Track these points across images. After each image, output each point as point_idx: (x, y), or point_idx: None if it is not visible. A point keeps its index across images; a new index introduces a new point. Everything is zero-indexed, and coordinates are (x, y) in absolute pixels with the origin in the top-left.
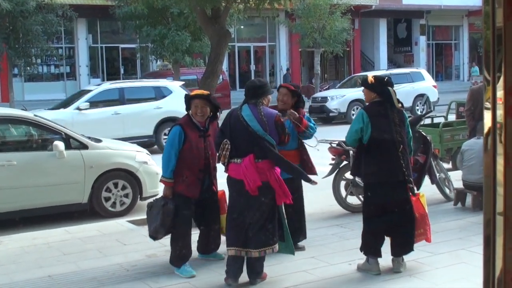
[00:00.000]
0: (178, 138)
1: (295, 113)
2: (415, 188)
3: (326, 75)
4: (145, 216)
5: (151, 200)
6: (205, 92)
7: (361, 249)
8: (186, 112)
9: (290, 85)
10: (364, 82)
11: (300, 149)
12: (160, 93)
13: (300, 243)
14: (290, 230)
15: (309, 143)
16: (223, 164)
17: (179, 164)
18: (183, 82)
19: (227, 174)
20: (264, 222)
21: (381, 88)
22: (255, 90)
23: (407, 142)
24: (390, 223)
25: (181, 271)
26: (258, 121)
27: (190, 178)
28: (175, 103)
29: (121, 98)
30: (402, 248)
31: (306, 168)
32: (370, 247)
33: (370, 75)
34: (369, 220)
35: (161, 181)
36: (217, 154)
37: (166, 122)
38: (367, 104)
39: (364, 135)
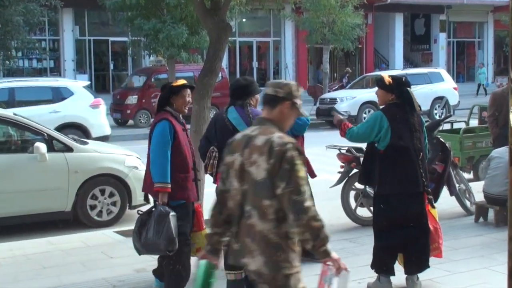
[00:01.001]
0: (169, 134)
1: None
2: (449, 191)
3: (335, 75)
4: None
5: (142, 210)
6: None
7: (372, 266)
8: (158, 106)
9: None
10: (380, 83)
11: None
12: (58, 95)
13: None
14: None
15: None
16: (211, 174)
17: (171, 167)
18: (88, 83)
19: (215, 186)
20: None
21: (399, 89)
22: (241, 90)
23: (424, 149)
24: (405, 238)
25: None
26: (246, 124)
27: (186, 180)
28: (76, 107)
29: (11, 100)
30: (417, 265)
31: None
32: (382, 265)
33: (386, 74)
34: (381, 234)
35: (157, 189)
36: (204, 164)
37: (65, 129)
38: (382, 106)
39: (381, 141)
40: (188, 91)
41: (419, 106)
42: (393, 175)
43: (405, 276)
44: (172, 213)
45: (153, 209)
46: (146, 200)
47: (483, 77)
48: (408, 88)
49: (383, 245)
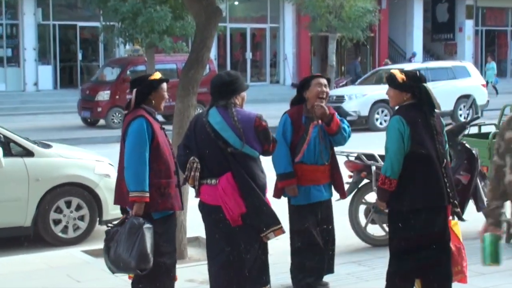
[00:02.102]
0: (147, 133)
1: (324, 106)
2: (476, 206)
3: (343, 68)
4: None
5: (109, 225)
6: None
7: None
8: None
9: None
10: (391, 81)
11: (332, 163)
12: None
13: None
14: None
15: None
16: (193, 187)
17: (150, 172)
18: None
19: (199, 200)
20: (257, 253)
21: (415, 86)
22: (224, 88)
23: (447, 155)
24: (424, 261)
25: None
26: (232, 129)
27: (169, 187)
28: None
29: None
30: None
31: (336, 189)
32: None
33: (397, 70)
34: (397, 257)
35: (133, 199)
36: (184, 176)
37: None
38: (397, 108)
39: None
40: (166, 85)
41: (439, 105)
42: (413, 187)
43: None
44: (146, 225)
45: (126, 219)
46: (125, 213)
47: (492, 74)
48: (425, 84)
49: (398, 270)
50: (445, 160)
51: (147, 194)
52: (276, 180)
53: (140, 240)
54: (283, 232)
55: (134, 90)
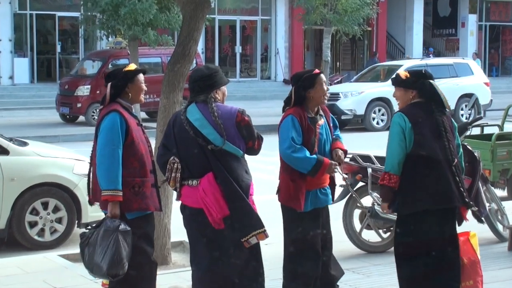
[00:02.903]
0: (120, 129)
1: (341, 154)
2: (478, 212)
3: (338, 64)
4: None
5: (87, 227)
6: None
7: None
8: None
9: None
10: (396, 80)
11: None
12: None
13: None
14: (326, 276)
15: None
16: (174, 189)
17: (123, 170)
18: None
19: (180, 203)
20: (247, 259)
21: (421, 83)
22: (202, 81)
23: (458, 154)
24: (433, 262)
25: None
26: (213, 126)
27: (144, 186)
28: None
29: None
30: None
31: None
32: None
33: (401, 70)
34: (406, 263)
35: (105, 198)
36: (164, 178)
37: None
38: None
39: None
40: (142, 76)
41: (448, 103)
42: (419, 189)
43: None
44: (122, 227)
45: (99, 225)
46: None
47: None
48: (432, 81)
49: (406, 276)
50: (455, 160)
51: (120, 193)
52: (309, 177)
53: (113, 244)
54: (267, 236)
55: (109, 84)
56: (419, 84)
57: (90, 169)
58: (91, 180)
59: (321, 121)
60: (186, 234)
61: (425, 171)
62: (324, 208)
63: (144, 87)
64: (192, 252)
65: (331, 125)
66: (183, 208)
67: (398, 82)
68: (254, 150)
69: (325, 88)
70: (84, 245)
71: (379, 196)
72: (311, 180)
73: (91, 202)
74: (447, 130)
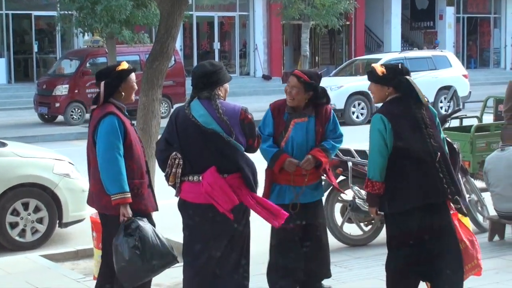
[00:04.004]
0: (119, 132)
1: (311, 161)
2: (464, 208)
3: (317, 58)
4: (66, 249)
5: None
6: None
7: None
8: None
9: (303, 73)
10: (371, 75)
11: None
12: None
13: (326, 285)
14: (307, 270)
15: None
16: (173, 186)
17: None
18: None
19: (178, 199)
20: (238, 257)
21: (397, 79)
22: (206, 78)
23: (443, 147)
24: (431, 262)
25: None
26: (217, 122)
27: (142, 188)
28: None
29: None
30: None
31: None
32: None
33: (377, 64)
34: (398, 260)
35: (116, 202)
36: (164, 174)
37: None
38: (380, 106)
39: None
40: (134, 76)
41: (426, 97)
42: (403, 188)
43: None
44: (141, 221)
45: (130, 229)
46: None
47: None
48: (408, 77)
49: (398, 273)
50: (438, 154)
51: (129, 194)
52: (268, 169)
53: (158, 237)
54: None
55: (102, 83)
56: (396, 81)
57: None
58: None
59: (302, 119)
60: (182, 229)
61: (408, 170)
62: (306, 205)
63: (136, 87)
64: (186, 249)
65: (327, 129)
66: (182, 204)
67: (374, 79)
68: (253, 148)
69: (289, 90)
70: (140, 249)
71: (359, 189)
72: (278, 175)
73: (88, 202)
74: (428, 125)
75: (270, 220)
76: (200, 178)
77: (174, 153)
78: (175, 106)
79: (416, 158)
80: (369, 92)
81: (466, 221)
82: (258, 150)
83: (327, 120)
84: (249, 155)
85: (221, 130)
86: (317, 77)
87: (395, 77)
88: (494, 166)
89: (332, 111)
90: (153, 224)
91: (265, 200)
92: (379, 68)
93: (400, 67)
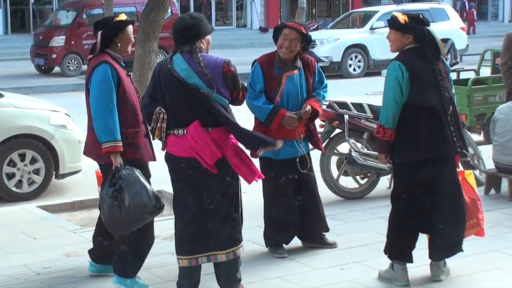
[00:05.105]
0: (113, 80)
1: (309, 111)
2: (470, 161)
3: (314, 11)
4: (63, 201)
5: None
6: None
7: (385, 250)
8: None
9: (298, 24)
10: (393, 22)
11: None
12: None
13: (331, 239)
14: (304, 223)
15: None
16: (160, 139)
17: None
18: None
19: (165, 152)
20: (228, 209)
21: (419, 28)
22: (187, 31)
23: (454, 101)
24: (430, 214)
25: (130, 285)
26: (199, 76)
27: (138, 137)
28: None
29: None
30: (446, 248)
31: (313, 142)
32: (399, 249)
33: (398, 13)
34: (399, 210)
35: (107, 150)
36: (149, 128)
37: None
38: (397, 54)
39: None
40: (132, 27)
41: (443, 50)
42: (415, 139)
43: (429, 261)
44: (131, 169)
45: (114, 178)
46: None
47: None
48: (429, 28)
49: (401, 224)
50: (451, 107)
51: (120, 143)
52: (260, 127)
53: (143, 183)
54: (274, 148)
55: (99, 33)
56: (418, 29)
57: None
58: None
59: (293, 72)
60: (171, 182)
61: (421, 121)
62: (300, 159)
63: (133, 39)
64: (175, 201)
65: (314, 80)
66: (168, 157)
67: (396, 26)
68: (238, 101)
69: (284, 43)
70: (119, 200)
71: (355, 142)
72: (272, 130)
73: (84, 152)
74: (443, 78)
75: (245, 176)
76: (185, 131)
77: (158, 108)
78: None
79: (430, 109)
80: (388, 40)
81: (472, 180)
82: (248, 106)
83: (313, 71)
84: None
85: (203, 83)
86: (306, 28)
87: (417, 26)
88: (506, 116)
89: (315, 61)
90: (148, 174)
91: (247, 157)
92: (401, 16)
93: (421, 17)
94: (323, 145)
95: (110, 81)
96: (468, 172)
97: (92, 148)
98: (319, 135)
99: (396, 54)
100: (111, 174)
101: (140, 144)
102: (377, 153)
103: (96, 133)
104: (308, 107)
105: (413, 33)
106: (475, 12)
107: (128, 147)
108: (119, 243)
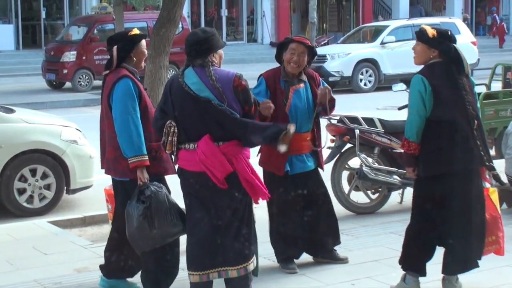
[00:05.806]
0: (135, 95)
1: (327, 90)
2: (500, 176)
3: (325, 25)
4: (74, 216)
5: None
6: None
7: (400, 261)
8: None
9: (305, 39)
10: (421, 35)
11: (314, 130)
12: None
13: (342, 255)
14: (314, 238)
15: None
16: (171, 153)
17: None
18: None
19: (177, 167)
20: (239, 224)
21: (446, 44)
22: (199, 45)
23: (479, 116)
24: (449, 228)
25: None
26: (210, 90)
27: (161, 150)
28: None
29: None
30: (464, 262)
31: (317, 159)
32: (413, 260)
33: (427, 26)
34: (421, 223)
35: (134, 165)
36: (161, 142)
37: None
38: (422, 67)
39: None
40: (145, 42)
41: (468, 67)
42: (439, 151)
43: (441, 276)
44: (158, 186)
45: (143, 195)
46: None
47: None
48: (456, 46)
49: (419, 236)
50: (476, 122)
51: (146, 157)
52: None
53: (171, 203)
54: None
55: (115, 47)
56: (444, 45)
57: (100, 137)
58: (101, 146)
59: (299, 86)
60: (183, 198)
61: (445, 134)
62: (309, 174)
63: (146, 53)
64: (187, 215)
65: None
66: (180, 172)
67: (423, 38)
68: (250, 115)
69: (293, 57)
70: (149, 217)
71: (366, 157)
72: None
73: (105, 171)
74: (468, 93)
75: (255, 195)
76: (196, 146)
77: (168, 121)
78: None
79: (454, 123)
80: (413, 51)
81: (495, 197)
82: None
83: (318, 84)
84: None
85: (214, 97)
86: (315, 42)
87: (445, 42)
88: None
89: (319, 76)
90: (166, 186)
91: (256, 173)
92: (430, 30)
93: (449, 33)
94: (334, 160)
95: (133, 95)
96: (492, 189)
97: (115, 165)
98: (328, 148)
99: (419, 67)
100: (137, 189)
101: (163, 157)
102: (388, 167)
103: (122, 149)
104: (328, 88)
105: (440, 48)
106: (505, 25)
107: (152, 160)
108: (147, 260)
